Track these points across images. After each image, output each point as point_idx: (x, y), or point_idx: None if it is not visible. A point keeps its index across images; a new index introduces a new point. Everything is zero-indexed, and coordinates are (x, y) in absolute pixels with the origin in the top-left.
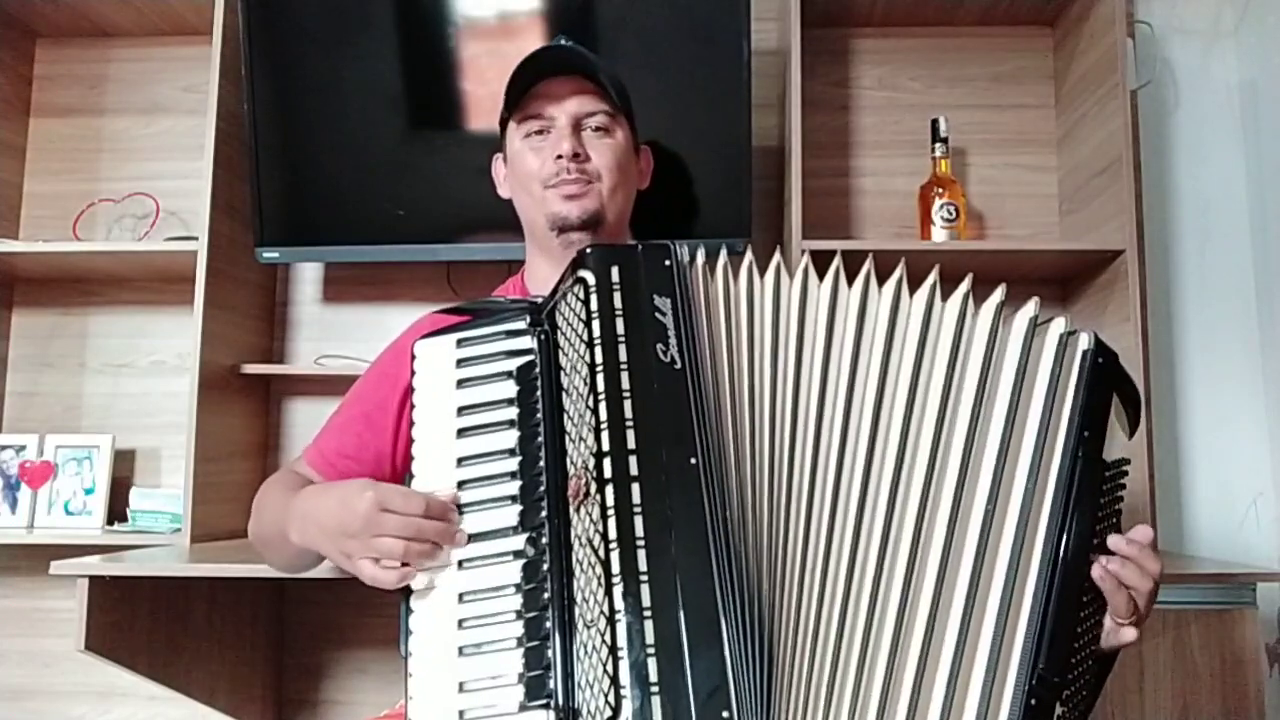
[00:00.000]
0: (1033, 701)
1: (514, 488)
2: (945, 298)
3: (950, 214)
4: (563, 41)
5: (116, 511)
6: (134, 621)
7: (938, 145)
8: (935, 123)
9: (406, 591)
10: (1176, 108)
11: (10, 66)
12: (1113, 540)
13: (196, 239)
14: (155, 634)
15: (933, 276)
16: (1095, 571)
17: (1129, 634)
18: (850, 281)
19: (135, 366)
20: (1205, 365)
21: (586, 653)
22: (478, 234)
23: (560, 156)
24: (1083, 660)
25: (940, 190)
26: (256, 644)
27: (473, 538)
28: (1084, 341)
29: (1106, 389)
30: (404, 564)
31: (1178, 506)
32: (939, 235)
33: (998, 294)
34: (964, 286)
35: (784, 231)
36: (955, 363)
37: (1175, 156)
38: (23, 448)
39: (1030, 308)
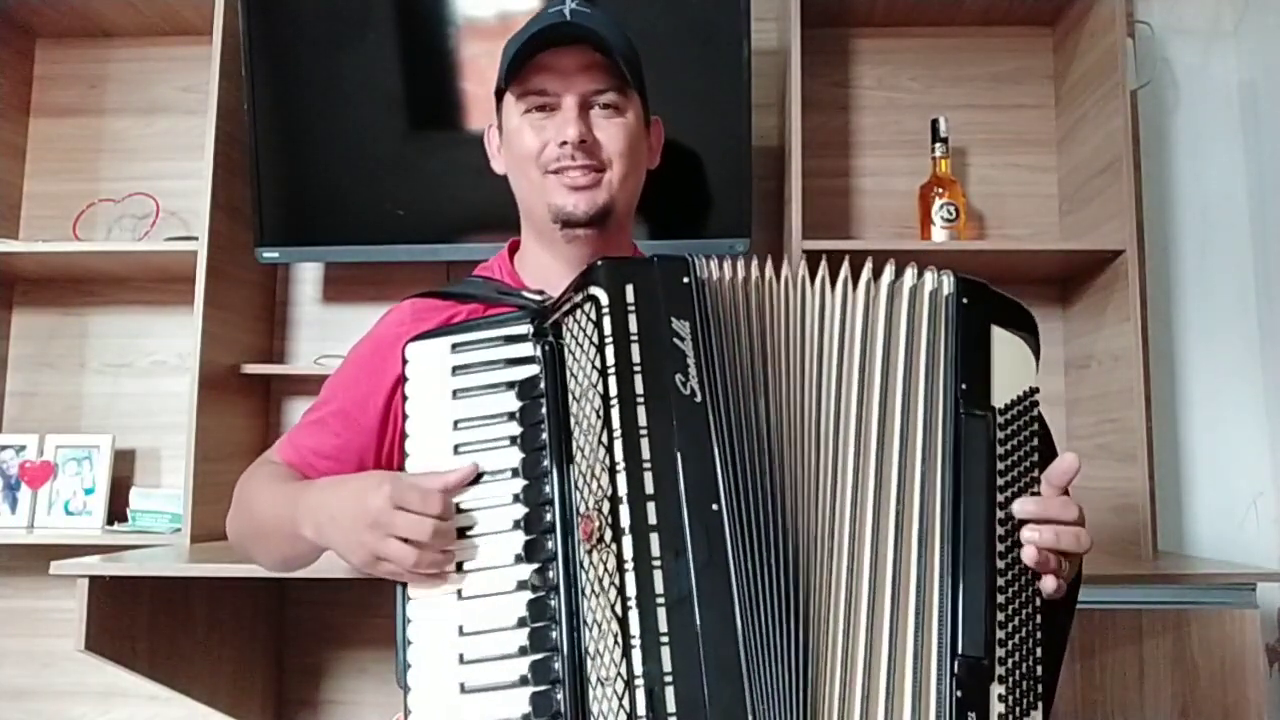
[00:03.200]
0: (959, 693)
1: (518, 512)
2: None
3: (950, 214)
4: (571, 3)
5: (116, 511)
6: (134, 621)
7: (938, 145)
8: (935, 123)
9: (404, 621)
10: (1176, 108)
11: (10, 66)
12: (1018, 506)
13: (196, 239)
14: (155, 634)
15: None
16: (1027, 554)
17: (1048, 584)
18: (840, 282)
19: (135, 366)
20: (1205, 365)
21: (601, 711)
22: (478, 234)
23: (565, 143)
24: (1016, 631)
25: (940, 190)
26: (256, 644)
27: (475, 565)
28: (946, 287)
29: (979, 329)
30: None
31: (1178, 506)
32: (939, 235)
33: (887, 272)
34: (843, 270)
35: (784, 231)
36: (869, 353)
37: (1175, 156)
38: (23, 448)
39: (909, 276)
